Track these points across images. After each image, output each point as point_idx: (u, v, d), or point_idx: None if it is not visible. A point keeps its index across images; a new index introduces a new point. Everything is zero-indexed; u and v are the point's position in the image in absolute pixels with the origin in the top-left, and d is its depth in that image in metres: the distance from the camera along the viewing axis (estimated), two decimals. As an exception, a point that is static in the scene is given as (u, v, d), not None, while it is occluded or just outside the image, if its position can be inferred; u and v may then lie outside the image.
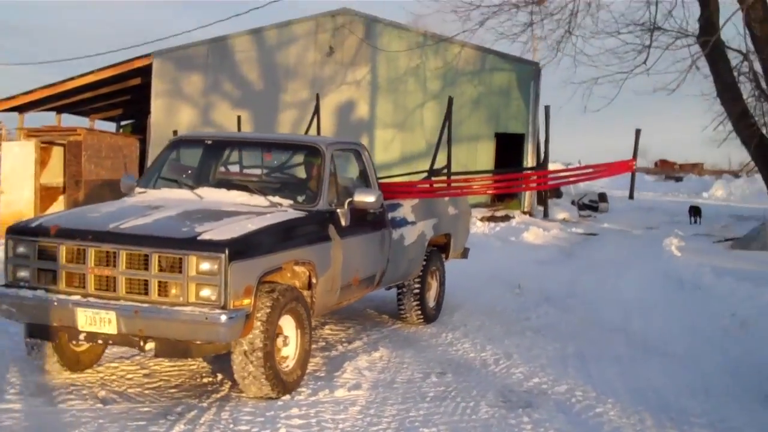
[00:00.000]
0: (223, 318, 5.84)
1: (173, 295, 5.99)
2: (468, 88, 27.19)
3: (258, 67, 27.93)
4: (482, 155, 26.79)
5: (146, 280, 6.05)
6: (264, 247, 6.34)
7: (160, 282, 6.02)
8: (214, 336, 5.98)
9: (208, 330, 5.91)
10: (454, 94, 27.11)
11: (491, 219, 23.98)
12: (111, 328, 6.03)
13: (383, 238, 8.38)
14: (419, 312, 9.40)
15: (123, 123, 38.15)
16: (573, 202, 30.97)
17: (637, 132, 13.95)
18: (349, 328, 9.17)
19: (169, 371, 7.18)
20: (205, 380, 7.02)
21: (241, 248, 6.05)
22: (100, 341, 6.31)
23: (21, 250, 6.41)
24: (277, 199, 7.35)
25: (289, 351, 6.65)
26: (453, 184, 11.76)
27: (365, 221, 7.99)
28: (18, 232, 6.50)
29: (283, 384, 6.44)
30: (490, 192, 15.98)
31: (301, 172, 8.41)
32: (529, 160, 27.03)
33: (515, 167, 23.49)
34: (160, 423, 5.82)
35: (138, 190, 7.73)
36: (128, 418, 5.91)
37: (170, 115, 27.88)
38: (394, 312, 9.67)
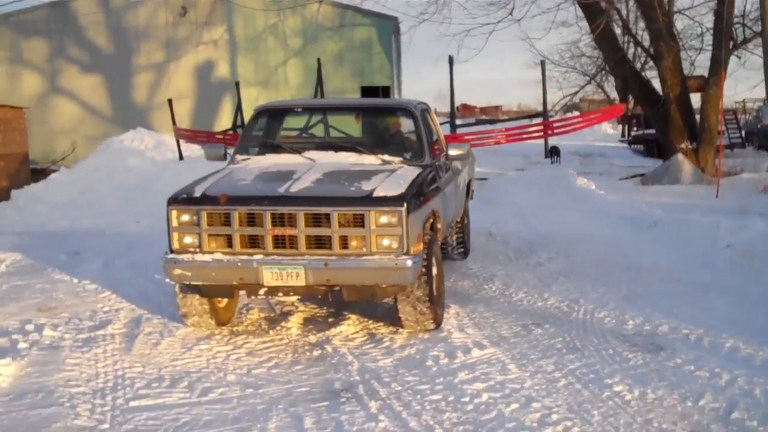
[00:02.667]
0: (409, 262, 6.46)
1: (354, 246, 6.52)
2: (330, 44, 26.73)
3: (106, 30, 26.49)
4: (348, 110, 26.42)
5: (328, 236, 6.52)
6: (421, 199, 6.96)
7: (340, 236, 6.51)
8: (402, 279, 6.55)
9: (396, 274, 6.50)
10: (316, 51, 26.73)
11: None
12: (299, 281, 6.50)
13: (456, 184, 9.25)
14: (461, 249, 10.15)
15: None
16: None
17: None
18: None
19: (265, 350, 6.59)
20: (312, 353, 6.50)
21: (411, 201, 6.65)
22: (280, 294, 6.77)
23: (186, 218, 6.72)
24: (387, 157, 7.85)
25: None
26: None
27: (447, 170, 8.71)
28: (182, 202, 6.76)
29: (439, 318, 7.13)
30: (509, 141, 17.08)
31: (392, 132, 8.98)
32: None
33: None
34: (341, 401, 5.36)
35: (239, 157, 8.05)
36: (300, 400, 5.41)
37: (13, 83, 26.17)
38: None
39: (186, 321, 7.24)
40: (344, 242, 6.54)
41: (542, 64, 17.44)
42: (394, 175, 7.14)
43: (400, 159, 7.88)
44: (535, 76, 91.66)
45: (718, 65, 17.79)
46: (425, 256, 6.86)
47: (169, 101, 21.07)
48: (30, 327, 7.00)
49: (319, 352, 6.38)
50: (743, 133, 32.42)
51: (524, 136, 16.34)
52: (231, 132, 19.29)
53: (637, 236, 11.76)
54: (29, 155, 16.70)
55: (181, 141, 18.92)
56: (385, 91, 27.06)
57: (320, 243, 6.55)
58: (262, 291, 6.69)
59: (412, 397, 5.34)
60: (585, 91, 53.53)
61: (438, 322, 7.10)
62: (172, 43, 26.40)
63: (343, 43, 26.81)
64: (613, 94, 56.89)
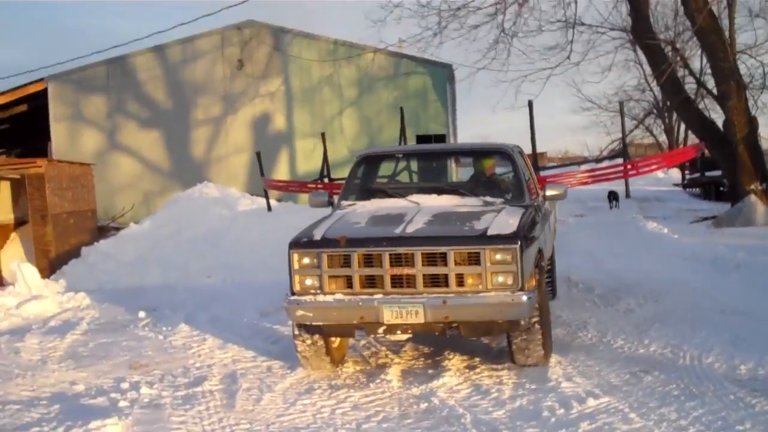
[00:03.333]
0: (524, 298, 6.65)
1: (470, 284, 6.74)
2: (385, 93, 26.73)
3: (164, 85, 26.73)
4: (404, 159, 26.37)
5: (445, 275, 6.74)
6: (530, 238, 7.21)
7: (456, 274, 6.74)
8: (517, 314, 6.74)
9: (512, 310, 6.69)
10: (371, 100, 26.82)
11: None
12: (418, 319, 6.70)
13: (549, 225, 9.47)
14: (549, 289, 9.84)
15: (4, 151, 36.00)
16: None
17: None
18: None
19: (369, 404, 6.43)
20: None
21: (523, 240, 6.85)
22: (399, 332, 6.93)
23: (307, 260, 6.97)
24: (488, 198, 8.16)
25: None
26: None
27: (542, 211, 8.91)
28: (303, 245, 7.02)
29: (549, 353, 7.35)
30: (594, 181, 17.14)
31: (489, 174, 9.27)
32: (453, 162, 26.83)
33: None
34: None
35: (345, 203, 8.41)
36: None
37: (73, 140, 26.46)
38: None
39: (303, 362, 7.45)
40: (460, 280, 6.76)
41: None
42: (501, 215, 7.39)
43: (501, 200, 8.16)
44: (580, 122, 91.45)
45: (788, 104, 17.55)
46: (539, 291, 7.14)
47: (258, 154, 21.12)
48: (125, 385, 6.90)
49: (426, 405, 6.19)
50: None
51: (608, 176, 16.42)
52: (320, 181, 19.67)
53: (722, 279, 11.39)
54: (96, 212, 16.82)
55: (267, 192, 19.33)
56: (440, 139, 26.95)
57: (436, 281, 6.77)
58: (381, 329, 6.88)
59: (538, 451, 5.12)
60: (633, 135, 53.53)
61: (548, 357, 7.27)
62: (230, 96, 26.59)
63: (398, 92, 26.79)
64: (662, 137, 56.62)
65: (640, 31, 18.79)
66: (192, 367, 7.59)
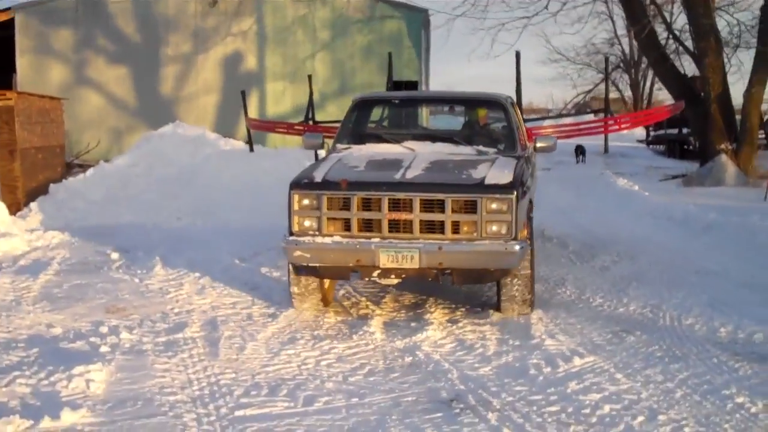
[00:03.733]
0: (517, 247, 6.86)
1: (465, 232, 6.92)
2: (359, 38, 26.43)
3: (135, 20, 26.15)
4: (376, 105, 26.13)
5: (441, 221, 6.92)
6: (524, 188, 7.31)
7: (452, 222, 6.90)
8: (509, 263, 6.96)
9: (504, 259, 6.90)
10: (345, 44, 26.50)
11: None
12: (413, 263, 6.86)
13: (535, 176, 9.49)
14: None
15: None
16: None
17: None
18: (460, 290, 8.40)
19: (354, 356, 6.30)
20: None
21: (518, 190, 7.02)
22: (393, 276, 7.09)
23: (307, 202, 7.09)
24: (481, 147, 8.29)
25: None
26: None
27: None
28: (304, 186, 7.14)
29: (533, 304, 7.55)
30: (580, 134, 17.20)
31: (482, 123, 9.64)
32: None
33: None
34: (455, 412, 5.04)
35: (340, 146, 8.48)
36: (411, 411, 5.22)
37: (38, 73, 25.88)
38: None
39: (296, 302, 7.61)
40: (455, 227, 6.93)
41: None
42: (496, 165, 7.56)
43: (494, 150, 8.29)
44: (547, 73, 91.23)
45: (763, 62, 17.54)
46: (530, 241, 7.36)
47: (242, 93, 20.59)
48: (104, 329, 6.79)
49: (411, 358, 6.16)
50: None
51: (591, 130, 16.69)
52: (306, 123, 19.21)
53: (695, 240, 11.51)
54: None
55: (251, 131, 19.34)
56: (413, 86, 26.76)
57: (432, 228, 6.95)
58: (376, 273, 7.03)
59: (528, 408, 5.11)
60: (598, 89, 53.68)
61: (532, 308, 7.51)
62: (201, 34, 26.11)
63: (372, 36, 26.49)
64: (627, 92, 56.77)
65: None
66: (171, 312, 7.49)
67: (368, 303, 7.86)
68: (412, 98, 10.56)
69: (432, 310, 7.57)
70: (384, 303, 7.88)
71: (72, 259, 10.14)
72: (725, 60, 20.55)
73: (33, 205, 13.60)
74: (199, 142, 15.44)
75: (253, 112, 26.39)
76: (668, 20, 20.54)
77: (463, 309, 7.63)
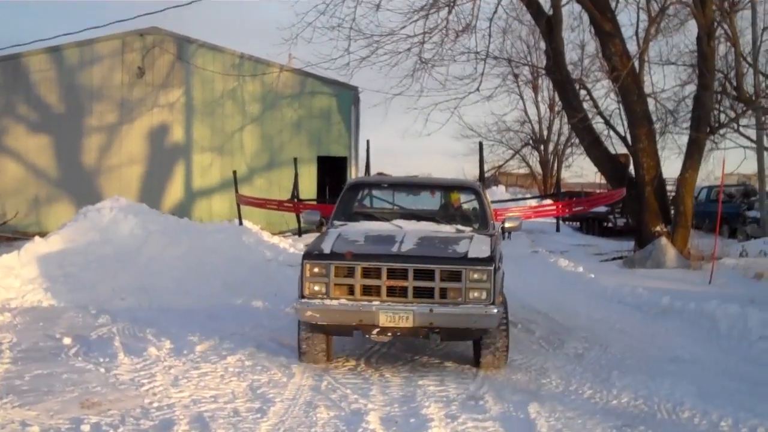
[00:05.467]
0: (495, 310, 8.13)
1: (451, 297, 8.15)
2: (288, 112, 26.38)
3: (58, 89, 25.54)
4: (304, 178, 25.94)
5: (431, 288, 8.15)
6: (499, 262, 8.69)
7: (441, 288, 8.14)
8: (489, 323, 8.20)
9: (485, 320, 8.13)
10: (275, 117, 26.38)
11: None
12: (408, 323, 8.10)
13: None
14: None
15: None
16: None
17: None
18: (444, 380, 8.31)
19: None
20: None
21: (495, 262, 8.32)
22: (389, 334, 8.32)
23: (317, 270, 8.27)
24: (460, 226, 9.64)
25: None
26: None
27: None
28: (315, 257, 8.36)
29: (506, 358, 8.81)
30: (537, 216, 20.70)
31: (458, 205, 10.99)
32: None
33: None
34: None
35: (337, 222, 9.78)
36: None
37: (-46, 140, 24.96)
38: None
39: (303, 358, 8.75)
40: (443, 293, 8.17)
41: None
42: (474, 241, 8.86)
43: (470, 228, 9.65)
44: (459, 149, 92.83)
45: (695, 148, 18.06)
46: (504, 306, 8.55)
47: (234, 173, 22.33)
48: (86, 427, 6.35)
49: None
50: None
51: (546, 212, 19.59)
52: (291, 201, 21.92)
53: (655, 324, 11.58)
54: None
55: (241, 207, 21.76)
56: (342, 162, 26.74)
57: (423, 293, 8.16)
58: (375, 331, 8.24)
59: None
60: (509, 165, 54.83)
61: (505, 363, 8.73)
62: (127, 104, 25.63)
63: (302, 111, 26.46)
64: (538, 168, 58.01)
65: (556, 70, 19.07)
66: (150, 407, 7.03)
67: (356, 396, 7.55)
68: (397, 183, 11.77)
69: (426, 404, 7.30)
70: (372, 396, 7.58)
71: (22, 344, 9.54)
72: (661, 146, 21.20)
73: (-37, 283, 12.85)
74: (137, 219, 14.89)
75: (178, 184, 25.96)
76: (598, 106, 21.00)
77: (456, 402, 7.39)
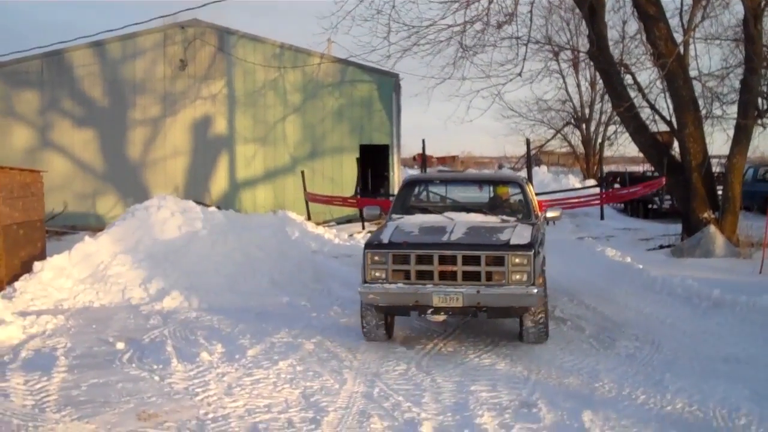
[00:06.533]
0: (535, 290, 9.14)
1: (496, 279, 9.16)
2: (330, 101, 26.36)
3: (102, 83, 25.78)
4: (347, 166, 25.98)
5: (478, 272, 9.17)
6: (539, 247, 9.76)
7: (486, 272, 9.16)
8: (530, 302, 9.21)
9: (527, 299, 9.14)
10: (316, 106, 26.40)
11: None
12: (458, 303, 9.13)
13: (546, 238, 11.68)
14: (543, 329, 10.65)
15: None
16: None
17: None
18: (496, 384, 8.27)
19: None
20: None
21: (535, 248, 9.31)
22: (442, 313, 9.30)
23: (377, 258, 9.38)
24: (505, 217, 10.72)
25: None
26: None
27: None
28: (375, 246, 9.50)
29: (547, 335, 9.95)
30: (581, 205, 22.15)
31: (504, 197, 12.08)
32: (395, 170, 26.66)
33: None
34: None
35: (395, 216, 10.91)
36: None
37: (2, 136, 25.30)
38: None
39: (366, 335, 9.95)
40: (489, 276, 9.19)
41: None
42: (517, 230, 9.91)
43: (515, 218, 10.69)
44: (500, 129, 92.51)
45: (743, 134, 17.75)
46: (544, 287, 9.69)
47: (302, 173, 24.17)
48: (148, 442, 6.43)
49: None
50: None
51: (590, 202, 21.21)
52: (354, 197, 23.75)
53: (706, 320, 11.39)
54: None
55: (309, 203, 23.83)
56: (384, 150, 26.71)
57: (471, 276, 9.19)
58: (430, 310, 9.24)
59: None
60: (551, 144, 54.27)
61: (546, 339, 9.84)
62: (170, 97, 25.80)
63: (343, 100, 26.44)
64: (580, 147, 57.41)
65: (600, 55, 18.82)
66: (206, 419, 7.11)
67: (409, 404, 7.56)
68: (449, 179, 13.24)
69: (479, 412, 7.28)
70: (425, 403, 7.58)
71: (76, 349, 9.69)
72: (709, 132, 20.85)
73: (18, 284, 13.05)
74: (186, 215, 15.00)
75: (222, 176, 26.13)
76: (644, 92, 20.69)
77: (509, 410, 7.37)
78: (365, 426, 6.97)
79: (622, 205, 35.39)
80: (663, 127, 21.12)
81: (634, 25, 25.00)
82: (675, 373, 8.59)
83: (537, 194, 14.43)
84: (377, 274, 9.34)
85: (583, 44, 23.34)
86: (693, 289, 12.93)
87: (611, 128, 49.05)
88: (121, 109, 25.73)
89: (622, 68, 20.84)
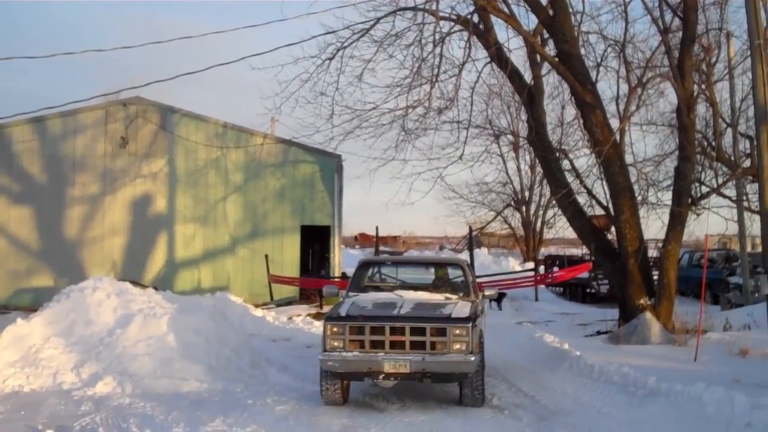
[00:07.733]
0: (472, 358, 10.57)
1: (439, 348, 10.56)
2: (272, 180, 26.42)
3: (41, 159, 25.50)
4: (288, 247, 25.94)
5: (423, 341, 10.59)
6: (477, 320, 11.20)
7: (431, 341, 10.58)
8: (468, 369, 10.61)
9: (465, 366, 10.57)
10: (258, 186, 26.41)
11: (317, 316, 23.07)
12: (406, 369, 10.47)
13: (484, 313, 13.31)
14: (480, 394, 11.76)
15: None
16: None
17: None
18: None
19: None
20: None
21: (473, 321, 10.81)
22: (392, 378, 10.63)
23: (336, 329, 10.75)
24: (448, 294, 12.23)
25: None
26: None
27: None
28: (334, 319, 10.94)
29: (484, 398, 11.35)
30: (515, 286, 23.80)
31: (447, 278, 13.93)
32: (336, 251, 26.64)
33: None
34: None
35: (351, 293, 12.40)
36: None
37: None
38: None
39: (324, 400, 11.13)
40: (432, 345, 10.59)
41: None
42: (458, 306, 11.47)
43: (457, 296, 12.23)
44: (441, 211, 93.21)
45: (678, 221, 18.12)
46: (481, 356, 11.18)
47: (266, 257, 25.09)
48: None
49: None
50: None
51: (523, 283, 23.28)
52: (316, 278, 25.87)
53: (642, 409, 11.45)
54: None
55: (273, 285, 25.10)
56: (326, 231, 26.73)
57: (417, 346, 10.58)
58: (381, 376, 10.58)
59: None
60: (491, 226, 54.81)
61: (483, 402, 11.16)
62: (110, 174, 25.58)
63: (286, 180, 26.51)
64: (520, 229, 58.08)
65: (538, 140, 19.20)
66: None
67: None
68: (399, 261, 16.04)
69: None
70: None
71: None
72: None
73: (-58, 367, 12.66)
74: (121, 298, 14.76)
75: (161, 255, 25.87)
76: (581, 178, 21.08)
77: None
78: None
79: (561, 288, 35.79)
80: (600, 211, 21.48)
81: (572, 111, 25.72)
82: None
83: (477, 276, 15.62)
84: (335, 343, 10.63)
85: (524, 128, 23.94)
86: (629, 377, 13.00)
87: (550, 212, 49.80)
88: (59, 186, 25.43)
89: (561, 154, 21.28)
